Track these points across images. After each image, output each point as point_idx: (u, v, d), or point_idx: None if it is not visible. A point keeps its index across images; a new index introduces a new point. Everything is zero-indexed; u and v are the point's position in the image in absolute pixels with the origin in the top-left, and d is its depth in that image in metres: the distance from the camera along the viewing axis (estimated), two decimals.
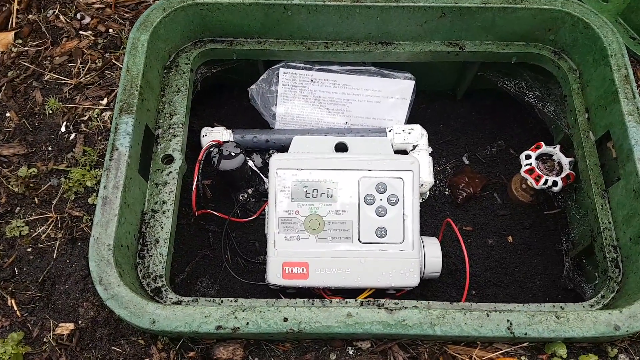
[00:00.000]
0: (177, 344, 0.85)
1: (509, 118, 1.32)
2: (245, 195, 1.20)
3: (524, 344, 0.83)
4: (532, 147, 1.15)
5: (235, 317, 0.81)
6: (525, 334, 0.80)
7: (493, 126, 1.31)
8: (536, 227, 1.20)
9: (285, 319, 0.80)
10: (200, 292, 1.12)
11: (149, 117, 1.01)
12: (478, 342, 0.84)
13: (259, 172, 1.21)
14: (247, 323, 0.80)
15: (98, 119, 1.04)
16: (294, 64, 1.17)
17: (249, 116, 1.28)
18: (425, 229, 1.18)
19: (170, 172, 0.99)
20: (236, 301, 0.88)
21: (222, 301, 0.88)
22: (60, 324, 0.88)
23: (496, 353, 0.82)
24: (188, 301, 0.88)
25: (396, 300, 0.88)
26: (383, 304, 0.84)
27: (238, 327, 0.80)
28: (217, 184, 1.21)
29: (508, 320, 0.81)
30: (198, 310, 0.81)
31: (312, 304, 0.86)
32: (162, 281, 0.91)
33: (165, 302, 0.89)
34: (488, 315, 0.81)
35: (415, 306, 0.86)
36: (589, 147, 1.04)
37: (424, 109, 1.33)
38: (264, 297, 1.02)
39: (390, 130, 1.19)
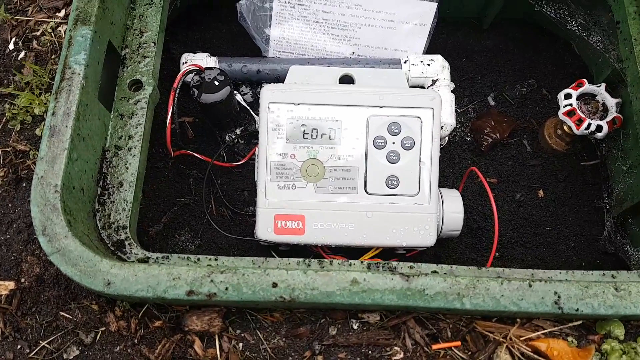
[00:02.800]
0: (139, 311, 0.69)
1: (542, 53, 1.13)
2: (233, 136, 1.02)
3: (574, 323, 0.67)
4: (573, 84, 0.97)
5: (212, 281, 0.64)
6: (577, 309, 0.64)
7: (523, 62, 1.13)
8: (572, 180, 1.03)
9: (275, 284, 0.64)
10: (178, 247, 0.96)
11: (114, 32, 0.82)
12: (517, 319, 0.68)
13: (248, 108, 1.03)
14: (227, 288, 0.64)
15: (52, 34, 0.85)
16: None
17: (239, 43, 1.10)
18: (442, 181, 1.01)
19: (139, 100, 0.81)
20: (216, 259, 0.72)
21: (198, 259, 0.72)
22: None
23: (537, 333, 0.66)
24: (157, 258, 0.73)
25: (411, 264, 0.71)
26: (396, 268, 0.68)
27: (215, 293, 0.64)
28: (200, 121, 1.04)
29: (555, 293, 0.65)
30: (165, 270, 0.65)
31: (309, 265, 0.70)
32: (126, 233, 0.75)
33: (128, 258, 0.73)
34: (530, 286, 0.65)
35: (436, 271, 0.70)
36: None
37: (444, 39, 1.14)
38: (254, 253, 0.86)
39: (405, 61, 1.00)
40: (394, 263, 0.71)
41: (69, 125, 0.71)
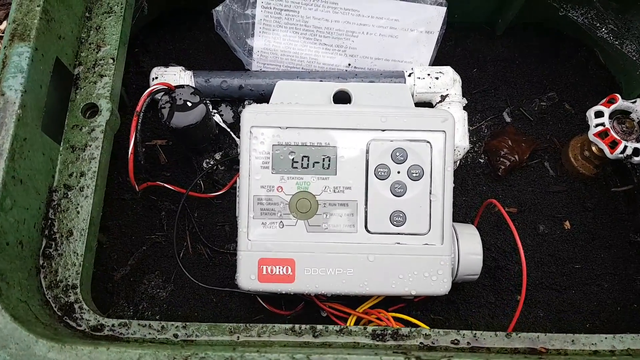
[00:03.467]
0: None
1: (563, 62, 1.00)
2: (211, 162, 0.89)
3: None
4: (604, 101, 0.84)
5: None
6: None
7: (542, 73, 0.99)
8: (602, 209, 0.90)
9: None
10: (147, 295, 0.82)
11: (62, 47, 0.69)
12: None
13: (229, 130, 0.89)
14: None
15: None
16: None
17: (218, 54, 0.96)
18: (454, 212, 0.87)
19: (93, 129, 0.68)
20: (184, 327, 0.59)
21: (162, 327, 0.59)
22: None
23: None
24: (112, 326, 0.59)
25: (427, 331, 0.58)
26: (409, 348, 0.55)
27: None
28: (174, 144, 0.90)
29: None
30: (115, 354, 0.51)
31: (299, 333, 0.57)
32: (76, 293, 0.62)
33: (78, 325, 0.60)
34: None
35: (457, 345, 0.57)
36: None
37: (452, 47, 1.00)
38: (238, 299, 0.75)
39: (410, 74, 0.87)
40: (404, 330, 0.58)
41: (0, 166, 0.57)
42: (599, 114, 0.83)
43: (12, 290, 0.56)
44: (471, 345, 0.58)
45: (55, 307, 0.61)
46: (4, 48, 0.62)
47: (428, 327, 0.68)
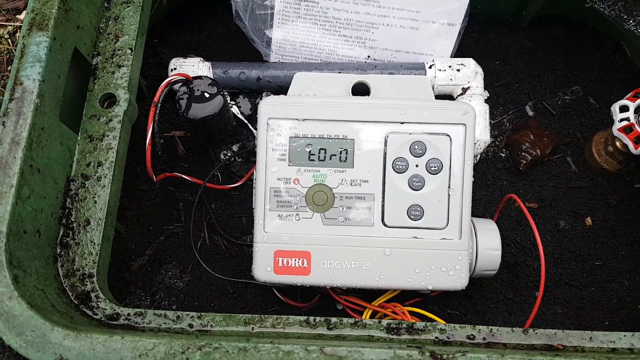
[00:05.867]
0: None
1: (588, 55, 0.97)
2: (229, 153, 0.89)
3: None
4: (629, 95, 0.82)
5: (187, 359, 0.51)
6: None
7: (567, 66, 0.97)
8: (625, 206, 0.88)
9: None
10: (164, 285, 0.82)
11: (81, 37, 0.69)
12: None
13: (246, 121, 0.89)
14: None
15: (10, 40, 0.71)
16: None
17: (237, 45, 0.96)
18: (473, 207, 0.86)
19: (111, 119, 0.68)
20: (200, 317, 0.59)
21: (177, 317, 0.59)
22: None
23: None
24: (128, 315, 0.59)
25: (442, 326, 0.58)
26: (424, 342, 0.54)
27: None
28: (192, 136, 0.90)
29: None
30: (130, 344, 0.52)
31: (313, 325, 0.57)
32: (92, 282, 0.62)
33: (95, 314, 0.60)
34: None
35: (473, 340, 0.56)
36: None
37: (474, 39, 0.98)
38: (253, 290, 0.76)
39: (430, 67, 0.86)
40: (419, 325, 0.58)
41: (17, 155, 0.57)
42: (623, 109, 0.81)
43: (29, 279, 0.57)
44: (487, 341, 0.57)
45: (71, 295, 0.62)
46: (23, 37, 0.62)
47: (444, 322, 0.67)
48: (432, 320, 0.75)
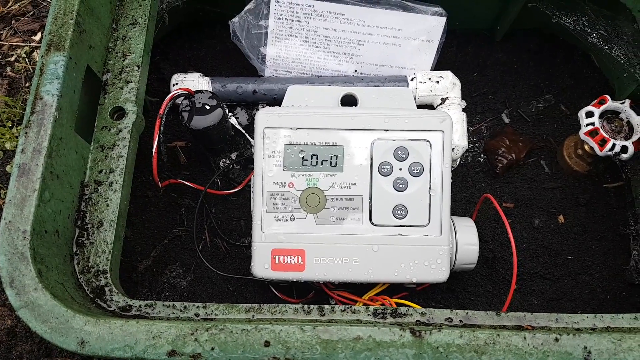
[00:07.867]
0: None
1: (559, 66, 1.05)
2: (228, 161, 0.95)
3: None
4: (595, 102, 0.89)
5: (196, 340, 0.57)
6: None
7: (539, 76, 1.05)
8: (594, 204, 0.95)
9: (267, 343, 0.57)
10: (168, 284, 0.89)
11: (93, 56, 0.75)
12: None
13: (244, 131, 0.96)
14: (213, 348, 0.57)
15: (27, 59, 0.78)
16: None
17: (234, 61, 1.03)
18: (454, 207, 0.93)
19: (121, 130, 0.74)
20: (205, 307, 0.65)
21: (185, 307, 0.65)
22: None
23: None
24: (139, 306, 0.65)
25: (423, 310, 0.64)
26: (406, 324, 0.60)
27: (199, 354, 0.56)
28: (193, 145, 0.97)
29: (585, 348, 0.57)
30: (144, 327, 0.58)
31: (307, 311, 0.63)
32: (106, 278, 0.68)
33: (109, 306, 0.66)
34: (557, 340, 0.57)
35: (450, 318, 0.62)
36: None
37: (453, 53, 1.06)
38: (252, 288, 0.79)
39: (412, 79, 0.93)
40: (403, 309, 0.64)
41: (39, 163, 0.64)
42: (589, 114, 0.88)
43: (50, 273, 0.63)
44: (463, 323, 0.63)
45: (87, 290, 0.68)
46: (41, 57, 0.69)
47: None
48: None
